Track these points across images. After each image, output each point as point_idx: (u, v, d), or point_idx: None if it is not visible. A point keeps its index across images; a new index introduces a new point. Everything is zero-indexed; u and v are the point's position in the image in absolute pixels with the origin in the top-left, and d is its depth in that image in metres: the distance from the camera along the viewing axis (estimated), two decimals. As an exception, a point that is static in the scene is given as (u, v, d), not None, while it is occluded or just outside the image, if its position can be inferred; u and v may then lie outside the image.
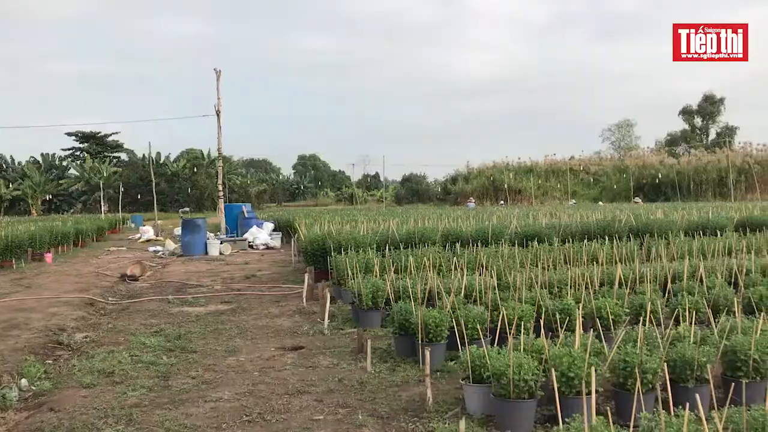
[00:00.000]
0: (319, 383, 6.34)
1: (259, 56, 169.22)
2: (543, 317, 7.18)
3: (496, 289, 8.17)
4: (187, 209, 45.05)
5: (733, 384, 4.56)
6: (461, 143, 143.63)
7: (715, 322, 6.23)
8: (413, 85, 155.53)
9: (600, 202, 51.38)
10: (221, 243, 20.91)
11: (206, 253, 20.21)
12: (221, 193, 28.23)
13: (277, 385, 6.36)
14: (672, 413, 3.77)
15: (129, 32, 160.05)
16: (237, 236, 23.19)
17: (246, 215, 24.56)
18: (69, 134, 72.86)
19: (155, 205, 42.36)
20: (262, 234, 22.70)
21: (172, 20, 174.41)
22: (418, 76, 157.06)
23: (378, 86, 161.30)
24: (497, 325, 6.66)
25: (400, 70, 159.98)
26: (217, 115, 26.63)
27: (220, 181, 28.37)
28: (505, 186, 61.21)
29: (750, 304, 7.64)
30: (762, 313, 6.35)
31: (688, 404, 3.61)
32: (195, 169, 66.09)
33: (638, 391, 4.31)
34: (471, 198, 59.00)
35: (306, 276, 11.25)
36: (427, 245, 12.53)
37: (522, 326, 6.54)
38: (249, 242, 22.19)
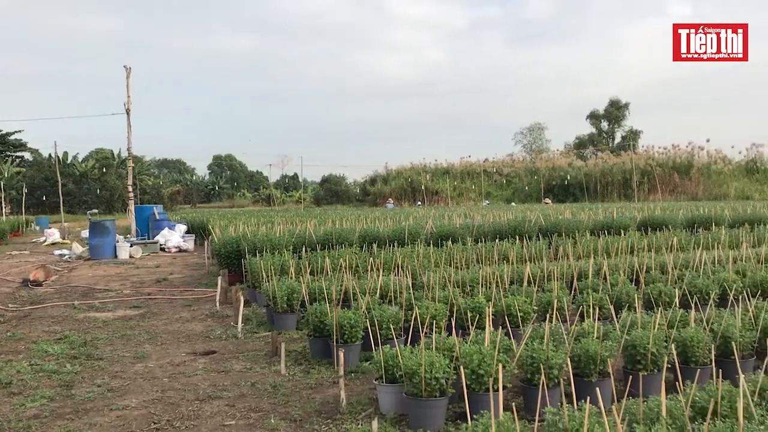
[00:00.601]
0: (232, 388, 6.23)
1: (173, 54, 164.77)
2: (455, 316, 7.31)
3: (411, 288, 8.27)
4: (96, 211, 43.34)
5: (631, 377, 4.78)
6: (380, 145, 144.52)
7: (617, 317, 6.51)
8: (332, 86, 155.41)
9: (513, 203, 52.83)
10: (131, 246, 20.25)
11: (115, 256, 19.53)
12: (131, 195, 27.30)
13: (187, 391, 6.20)
14: (576, 407, 3.91)
15: (32, 27, 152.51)
16: (148, 239, 22.49)
17: (157, 217, 23.85)
18: (-34, 132, 68.65)
19: (61, 206, 40.52)
20: (174, 236, 22.11)
21: (80, 15, 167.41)
22: (336, 77, 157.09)
23: (296, 86, 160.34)
24: (411, 325, 6.73)
25: (318, 70, 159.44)
26: (127, 113, 25.73)
27: (130, 182, 27.42)
28: (423, 187, 62.03)
29: (650, 300, 8.04)
30: (660, 309, 6.70)
31: (589, 398, 3.75)
32: (104, 170, 63.60)
33: (543, 386, 4.45)
34: (390, 199, 59.44)
35: (219, 279, 11.04)
36: (345, 246, 12.54)
37: (435, 325, 6.64)
38: (161, 245, 21.58)
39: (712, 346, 5.64)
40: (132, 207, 25.81)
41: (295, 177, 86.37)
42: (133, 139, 26.25)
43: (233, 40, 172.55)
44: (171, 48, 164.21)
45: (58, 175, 41.99)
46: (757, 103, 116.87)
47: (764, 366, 4.53)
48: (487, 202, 56.03)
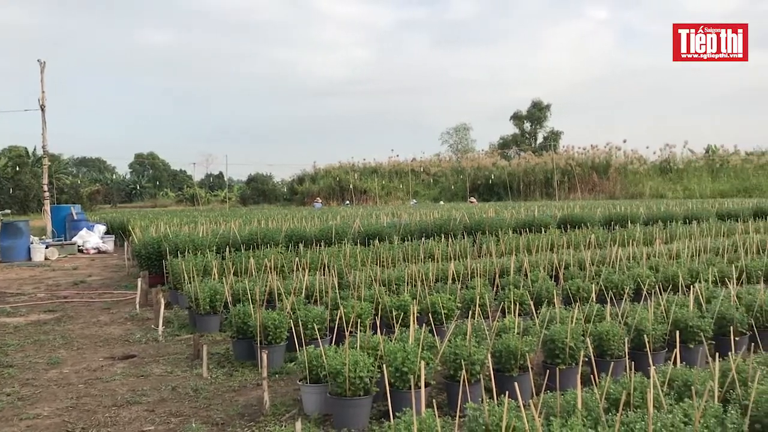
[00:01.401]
0: (151, 392, 6.05)
1: (92, 49, 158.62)
2: (381, 314, 7.33)
3: (337, 288, 8.24)
4: (8, 211, 41.28)
5: (549, 371, 4.90)
6: (308, 143, 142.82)
7: (537, 313, 6.67)
8: (258, 84, 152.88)
9: (441, 202, 53.50)
10: (47, 247, 19.45)
11: (29, 258, 18.75)
12: (47, 194, 26.19)
13: (104, 396, 5.99)
14: (496, 402, 3.98)
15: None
16: (65, 240, 21.66)
17: (75, 217, 23.02)
18: None
19: (-30, 207, 38.53)
20: (92, 237, 21.37)
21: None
22: (263, 74, 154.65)
23: (222, 84, 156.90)
24: (337, 324, 6.71)
25: (244, 68, 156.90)
26: (42, 109, 24.67)
27: (45, 181, 26.31)
28: (351, 186, 62.02)
29: (568, 295, 8.28)
30: (578, 304, 6.91)
31: (508, 392, 3.82)
32: (18, 168, 60.76)
33: (464, 382, 4.51)
34: (318, 198, 59.10)
35: (139, 281, 10.71)
36: (270, 246, 12.40)
37: (360, 324, 6.64)
38: (78, 246, 20.84)
39: (627, 339, 5.86)
40: (48, 207, 24.77)
41: (220, 176, 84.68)
42: (49, 136, 25.30)
43: (155, 36, 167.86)
44: (90, 42, 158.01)
45: (-33, 173, 39.90)
46: (669, 104, 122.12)
47: (673, 357, 4.73)
48: (415, 201, 56.49)
